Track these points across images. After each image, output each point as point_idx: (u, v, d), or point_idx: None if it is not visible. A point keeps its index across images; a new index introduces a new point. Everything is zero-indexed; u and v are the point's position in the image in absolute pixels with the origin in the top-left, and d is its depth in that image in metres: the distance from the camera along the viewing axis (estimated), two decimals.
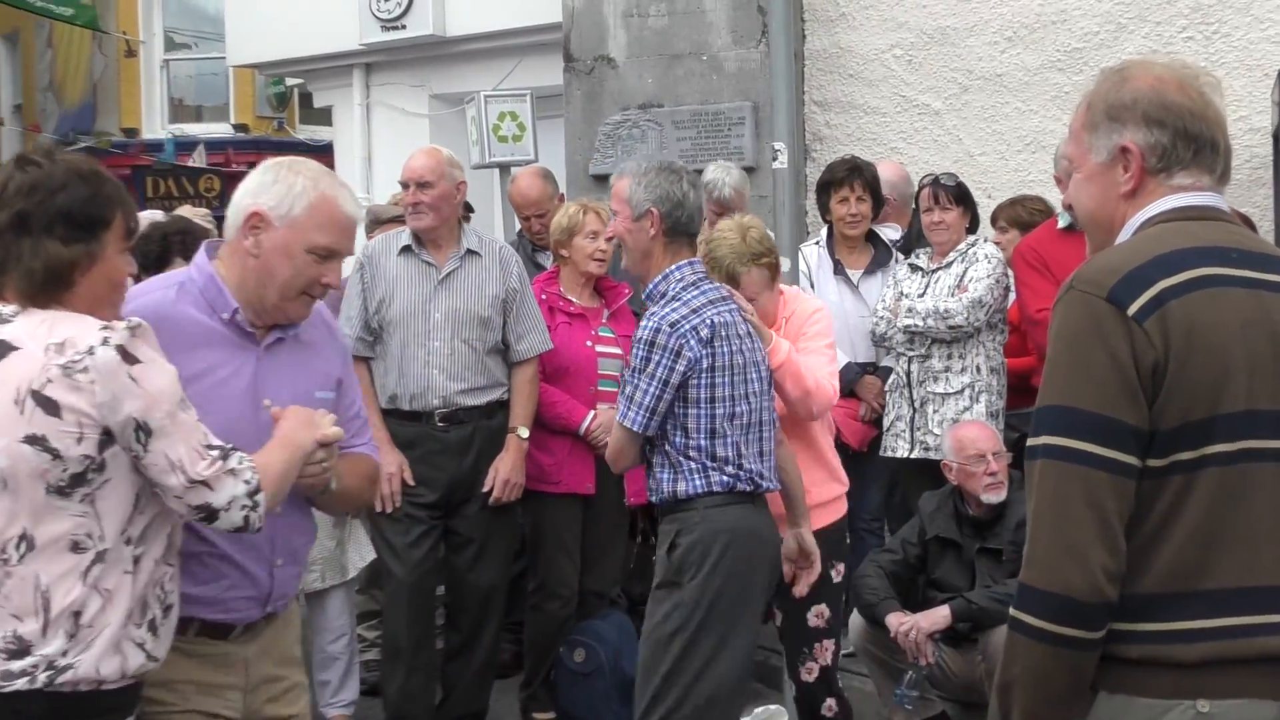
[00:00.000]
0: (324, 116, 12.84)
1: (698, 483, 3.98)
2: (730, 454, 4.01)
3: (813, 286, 6.13)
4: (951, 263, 5.79)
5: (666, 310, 3.99)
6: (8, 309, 2.62)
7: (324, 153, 12.95)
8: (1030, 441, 2.21)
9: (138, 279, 4.80)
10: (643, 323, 4.01)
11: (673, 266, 4.08)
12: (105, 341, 2.54)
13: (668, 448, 4.00)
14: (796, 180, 6.06)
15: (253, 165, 3.42)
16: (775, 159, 5.71)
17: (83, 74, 19.77)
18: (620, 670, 5.47)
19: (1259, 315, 2.17)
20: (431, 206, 5.14)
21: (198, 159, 15.04)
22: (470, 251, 5.24)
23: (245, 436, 2.81)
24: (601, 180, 7.71)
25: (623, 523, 5.73)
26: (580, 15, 7.92)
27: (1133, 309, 2.12)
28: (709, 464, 3.98)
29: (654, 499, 4.12)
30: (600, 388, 5.49)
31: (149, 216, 5.64)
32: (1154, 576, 2.14)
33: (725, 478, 3.99)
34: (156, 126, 18.77)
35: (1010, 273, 5.76)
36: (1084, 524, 2.10)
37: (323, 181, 3.02)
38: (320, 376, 3.14)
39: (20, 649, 2.53)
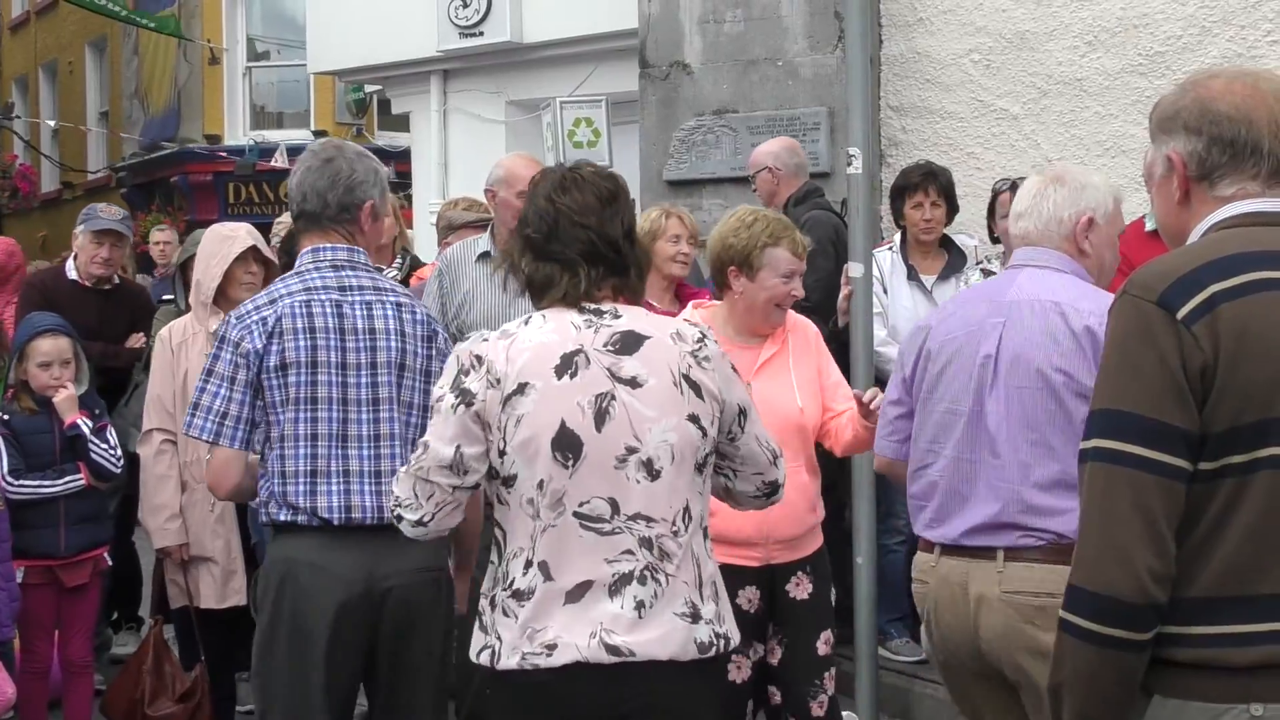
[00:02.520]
0: (402, 123, 12.98)
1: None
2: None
3: (885, 292, 6.11)
4: None
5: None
6: (607, 306, 2.88)
7: (401, 159, 13.11)
8: (1082, 445, 2.23)
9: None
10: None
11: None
12: (704, 334, 2.89)
13: None
14: (871, 185, 6.03)
15: None
16: (850, 164, 5.68)
17: (168, 81, 20.11)
18: None
19: None
20: None
21: (280, 160, 15.25)
22: None
23: None
24: (675, 186, 7.73)
25: None
26: (656, 22, 7.95)
27: (1182, 312, 2.12)
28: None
29: None
30: None
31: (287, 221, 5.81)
32: (1207, 580, 2.13)
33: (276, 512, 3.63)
34: (239, 133, 19.07)
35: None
36: (1130, 526, 2.11)
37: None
38: None
39: (694, 614, 2.81)
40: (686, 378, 2.80)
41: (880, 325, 5.95)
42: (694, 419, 2.80)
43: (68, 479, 5.18)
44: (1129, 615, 2.12)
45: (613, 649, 2.72)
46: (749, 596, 4.09)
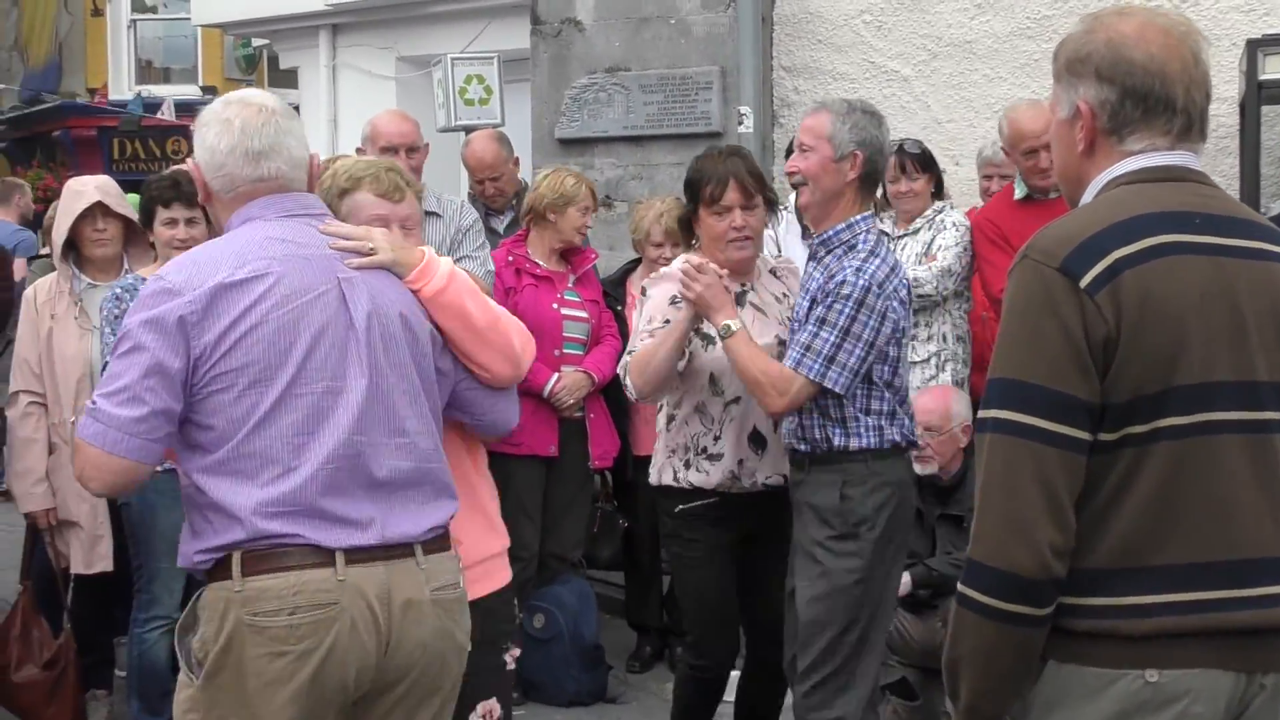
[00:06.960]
0: (292, 78, 12.72)
1: (871, 439, 3.94)
2: (899, 410, 4.01)
3: (779, 250, 6.10)
4: (919, 230, 5.75)
5: (869, 266, 3.89)
6: None
7: None
8: (980, 414, 2.17)
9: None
10: (843, 276, 3.87)
11: (858, 216, 3.99)
12: None
13: (845, 404, 3.91)
14: (763, 145, 6.03)
15: None
16: (741, 123, 5.67)
17: (48, 33, 19.51)
18: (579, 636, 5.45)
19: (1219, 285, 2.11)
20: (418, 171, 5.17)
21: (166, 113, 14.85)
22: (429, 213, 5.19)
23: None
24: (567, 145, 7.65)
25: (587, 486, 5.72)
26: None
27: (1085, 280, 2.06)
28: (885, 422, 3.96)
29: (801, 447, 4.00)
30: (565, 350, 5.50)
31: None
32: (1105, 551, 2.10)
33: (895, 435, 3.98)
34: (123, 88, 18.55)
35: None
36: (1032, 500, 2.06)
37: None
38: None
39: None
40: None
41: None
42: None
43: None
44: (1031, 591, 2.07)
45: None
46: None
